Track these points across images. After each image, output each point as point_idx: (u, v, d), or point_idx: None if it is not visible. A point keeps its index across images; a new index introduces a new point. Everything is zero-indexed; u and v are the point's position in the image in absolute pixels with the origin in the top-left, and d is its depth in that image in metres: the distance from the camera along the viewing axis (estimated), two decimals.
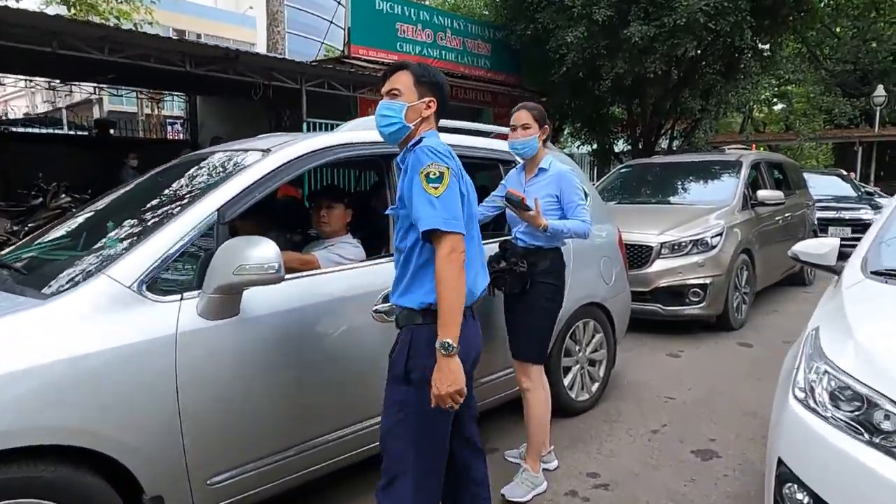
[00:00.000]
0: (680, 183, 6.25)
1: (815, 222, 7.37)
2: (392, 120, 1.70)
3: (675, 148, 12.24)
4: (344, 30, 9.27)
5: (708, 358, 4.50)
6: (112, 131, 11.96)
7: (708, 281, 4.92)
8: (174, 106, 17.45)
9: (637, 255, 4.97)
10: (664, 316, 4.96)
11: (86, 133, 12.53)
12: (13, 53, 5.70)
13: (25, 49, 5.50)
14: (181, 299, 1.80)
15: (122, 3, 13.22)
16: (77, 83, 11.62)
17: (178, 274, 1.86)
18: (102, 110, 20.86)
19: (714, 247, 5.02)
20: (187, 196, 2.12)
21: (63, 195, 6.27)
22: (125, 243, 1.90)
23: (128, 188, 2.66)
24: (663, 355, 4.56)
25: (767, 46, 10.87)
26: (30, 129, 13.42)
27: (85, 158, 9.74)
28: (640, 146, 12.18)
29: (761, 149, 13.73)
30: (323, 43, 13.83)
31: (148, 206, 2.21)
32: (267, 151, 2.20)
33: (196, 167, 2.45)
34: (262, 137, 2.62)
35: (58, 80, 11.51)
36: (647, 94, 11.41)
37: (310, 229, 3.23)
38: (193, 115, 12.47)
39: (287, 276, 1.91)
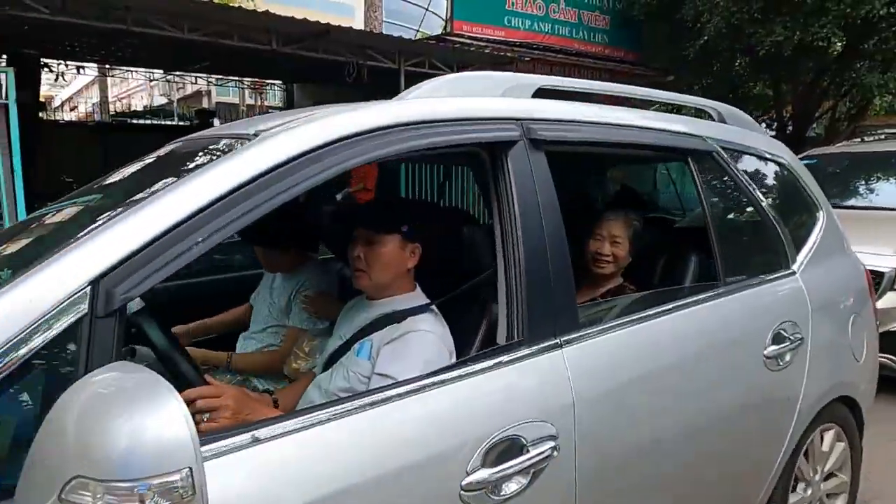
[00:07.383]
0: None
1: None
2: None
3: (840, 133, 10.17)
4: (446, 3, 8.33)
5: None
6: (213, 121, 11.95)
7: None
8: (275, 96, 17.51)
9: None
10: None
11: (188, 123, 12.66)
12: (109, 39, 5.22)
13: (101, 28, 4.99)
14: None
15: None
16: (180, 73, 11.64)
17: None
18: (211, 102, 21.57)
19: None
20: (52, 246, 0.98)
21: None
22: None
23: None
24: None
25: None
26: (138, 121, 13.83)
27: None
28: (788, 132, 10.32)
29: None
30: (418, 31, 13.34)
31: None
32: (251, 137, 1.10)
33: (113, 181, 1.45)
34: (262, 118, 1.49)
35: (161, 71, 11.59)
36: (804, 69, 9.51)
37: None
38: (290, 104, 12.28)
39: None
